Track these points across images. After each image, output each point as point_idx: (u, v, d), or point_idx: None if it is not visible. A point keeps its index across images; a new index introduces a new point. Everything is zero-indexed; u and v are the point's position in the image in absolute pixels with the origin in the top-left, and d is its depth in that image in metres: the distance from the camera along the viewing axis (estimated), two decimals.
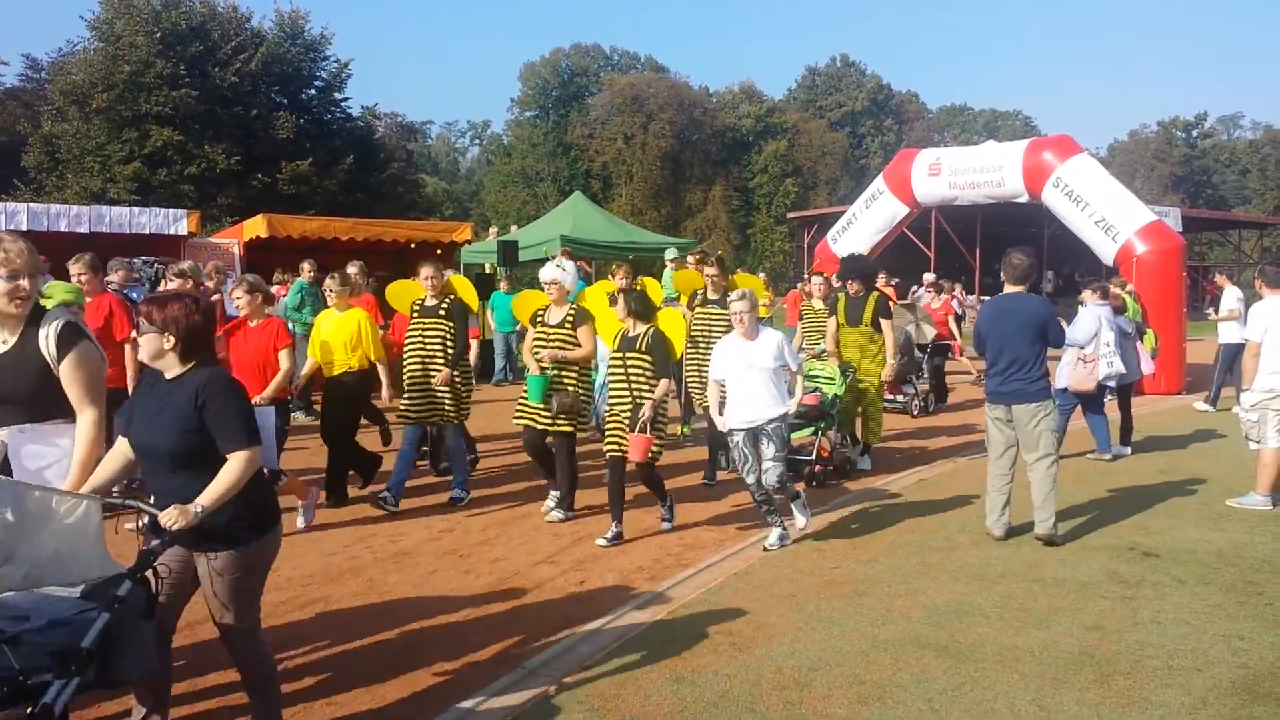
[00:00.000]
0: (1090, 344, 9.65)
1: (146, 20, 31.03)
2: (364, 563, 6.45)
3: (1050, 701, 4.25)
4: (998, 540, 6.89)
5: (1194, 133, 76.00)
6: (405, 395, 7.89)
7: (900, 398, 13.47)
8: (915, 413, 13.37)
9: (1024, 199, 17.42)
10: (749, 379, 6.60)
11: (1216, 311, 14.26)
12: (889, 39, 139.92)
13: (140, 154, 30.58)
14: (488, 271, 20.70)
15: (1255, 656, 4.77)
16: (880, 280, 16.60)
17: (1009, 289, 7.10)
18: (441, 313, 7.91)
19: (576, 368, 7.45)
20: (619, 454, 6.93)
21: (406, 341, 8.04)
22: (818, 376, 9.20)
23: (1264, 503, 7.75)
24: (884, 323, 9.36)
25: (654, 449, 6.86)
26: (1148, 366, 11.06)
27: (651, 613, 5.42)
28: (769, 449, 6.55)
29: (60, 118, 32.30)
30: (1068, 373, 9.83)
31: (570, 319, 7.46)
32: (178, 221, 14.35)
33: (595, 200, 35.72)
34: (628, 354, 6.96)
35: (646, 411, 6.74)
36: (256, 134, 32.36)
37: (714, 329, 8.74)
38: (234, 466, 3.52)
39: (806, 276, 15.46)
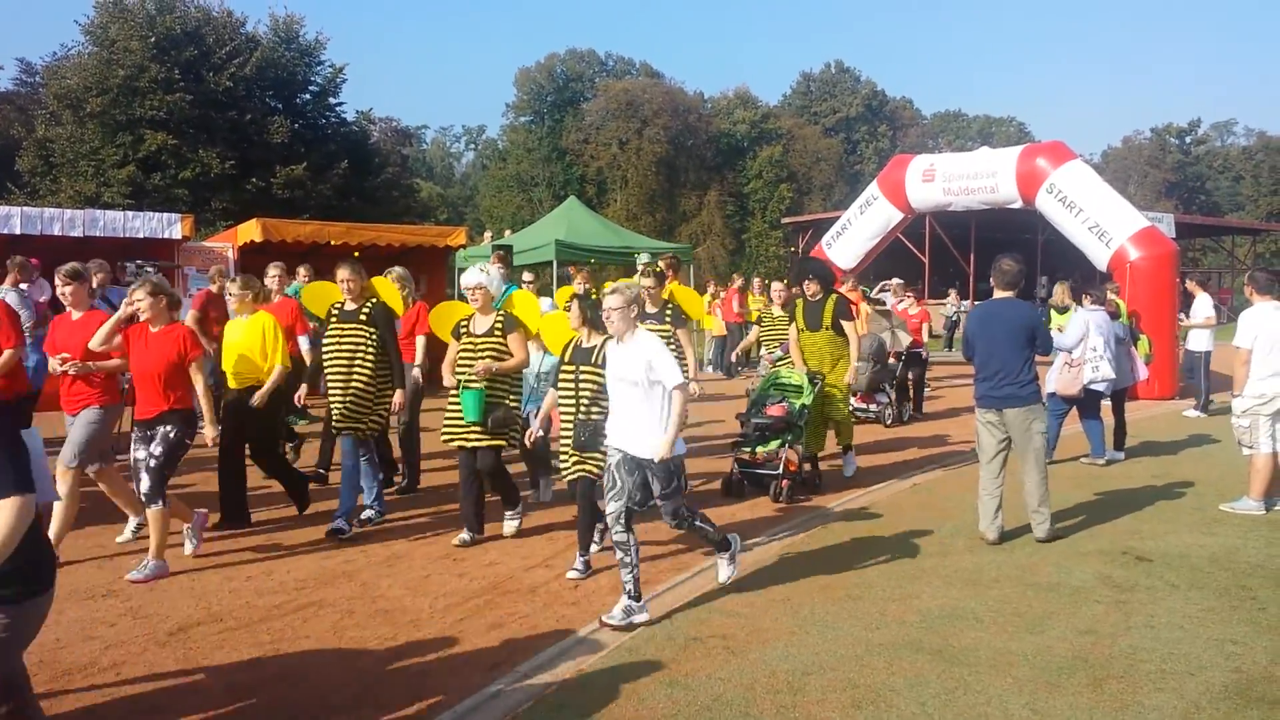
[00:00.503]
0: (1078, 349, 9.67)
1: (141, 25, 31.07)
2: (358, 566, 6.44)
3: (1043, 706, 4.26)
4: (992, 544, 6.92)
5: (1187, 139, 76.27)
6: (330, 405, 7.34)
7: (873, 407, 12.90)
8: (889, 422, 12.84)
9: (1018, 205, 17.49)
10: (622, 393, 5.55)
11: (1188, 316, 14.34)
12: (883, 46, 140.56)
13: (134, 158, 30.60)
14: None
15: (1248, 661, 4.78)
16: (848, 287, 16.37)
17: (998, 294, 7.19)
18: (362, 318, 7.26)
19: (509, 378, 6.98)
20: (584, 474, 6.19)
21: (325, 349, 7.39)
22: (786, 386, 8.83)
23: (1257, 508, 7.77)
24: (846, 325, 8.96)
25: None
26: (1142, 372, 11.09)
27: (646, 616, 5.41)
28: (655, 485, 5.50)
29: (54, 121, 32.30)
30: (1055, 377, 9.86)
31: (499, 326, 6.93)
32: (172, 225, 14.34)
33: (590, 205, 35.72)
34: (581, 367, 6.14)
35: None
36: (251, 138, 32.38)
37: None
38: (2, 518, 2.88)
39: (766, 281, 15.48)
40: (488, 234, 28.55)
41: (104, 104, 30.53)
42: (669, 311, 8.24)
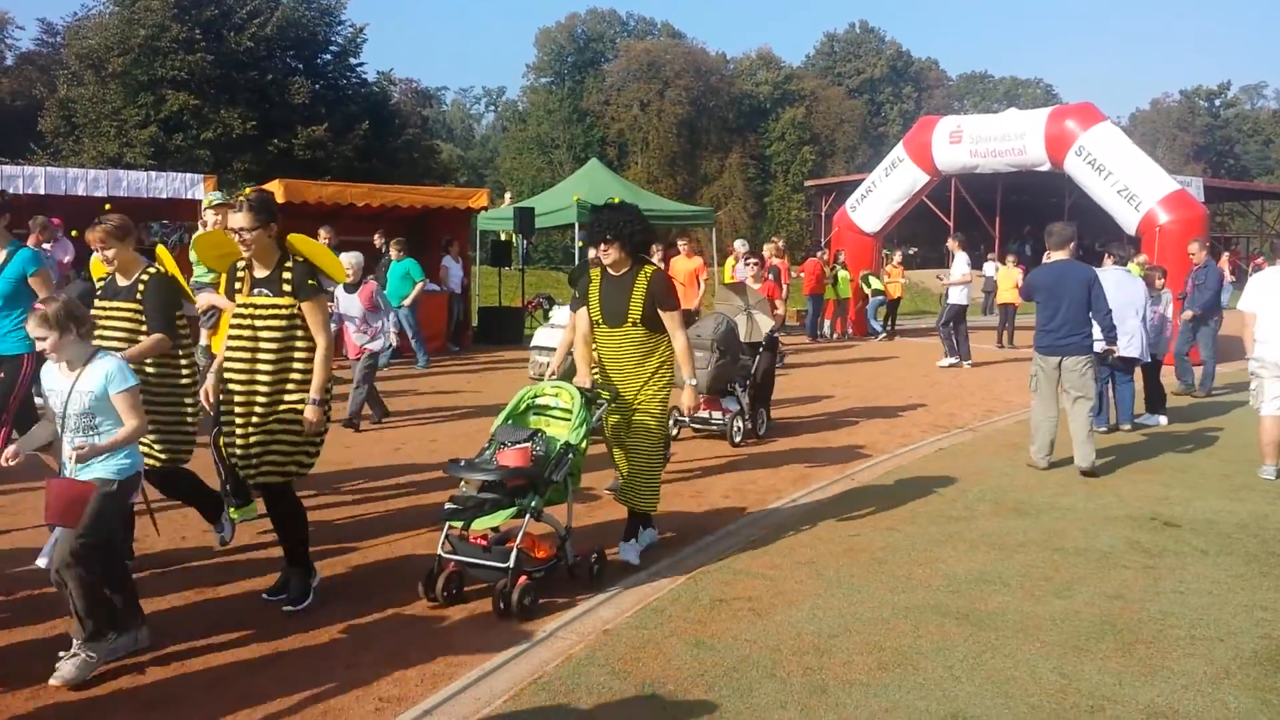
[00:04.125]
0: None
1: None
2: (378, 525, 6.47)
3: (1072, 670, 4.24)
4: (1042, 471, 7.95)
5: (1217, 102, 75.11)
6: None
7: (716, 417, 9.21)
8: (738, 440, 9.14)
9: (1045, 167, 17.29)
10: None
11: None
12: (908, 5, 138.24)
13: (156, 118, 30.60)
14: (503, 239, 20.67)
15: (1278, 627, 4.74)
16: (684, 249, 14.14)
17: (1054, 254, 8.16)
18: None
19: None
20: None
21: None
22: (550, 409, 5.49)
23: (1267, 472, 7.79)
24: (666, 318, 5.66)
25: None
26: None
27: (670, 578, 5.42)
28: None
29: (76, 82, 32.32)
30: None
31: None
32: (195, 186, 14.37)
33: (611, 168, 35.52)
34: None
35: None
36: (272, 99, 32.32)
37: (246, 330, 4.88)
38: None
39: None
40: (508, 195, 28.50)
41: (125, 64, 30.51)
42: (288, 275, 4.85)
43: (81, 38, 32.56)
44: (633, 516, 5.88)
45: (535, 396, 5.53)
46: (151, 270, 5.26)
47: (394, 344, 10.18)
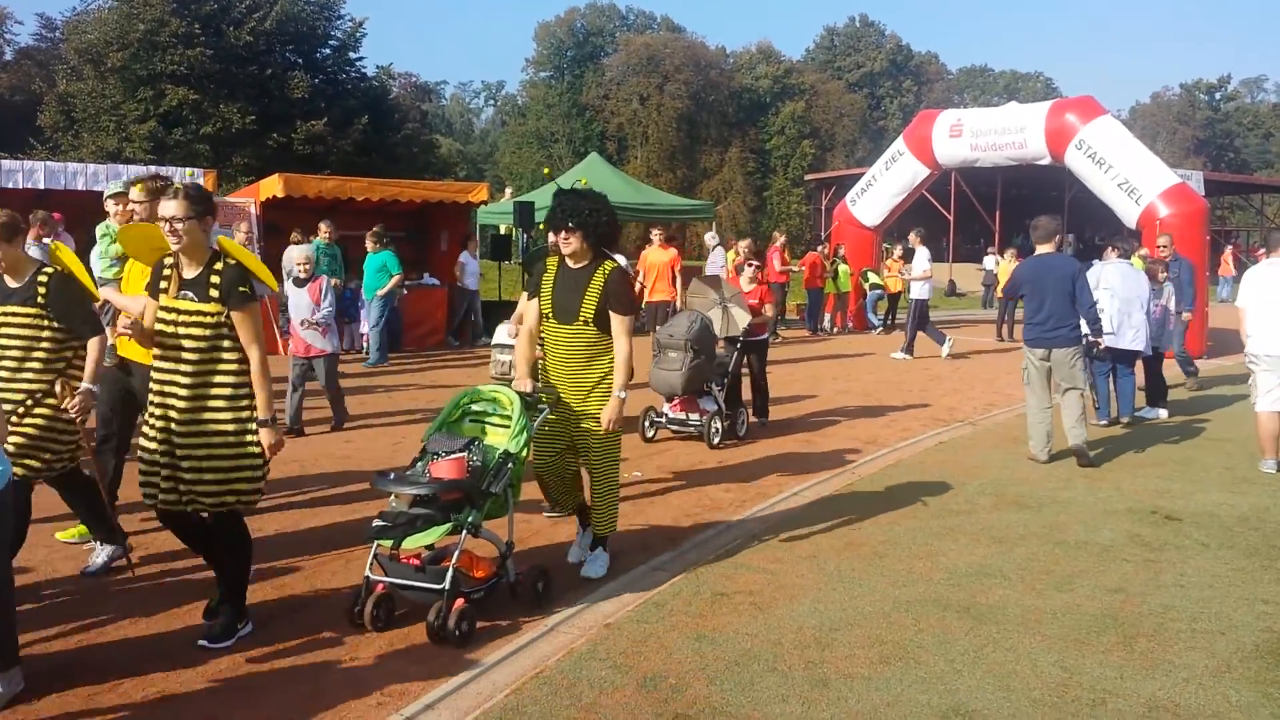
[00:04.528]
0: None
1: None
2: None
3: (1073, 663, 4.25)
4: (1043, 464, 7.96)
5: (1217, 95, 75.05)
6: None
7: (694, 418, 8.90)
8: (716, 441, 8.78)
9: (1046, 161, 17.26)
10: None
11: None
12: None
13: (155, 113, 30.61)
14: (503, 233, 20.65)
15: (1279, 620, 4.74)
16: (657, 240, 14.60)
17: (1041, 248, 8.22)
18: None
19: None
20: None
21: None
22: (487, 415, 5.03)
23: (1267, 466, 7.80)
24: (617, 322, 5.17)
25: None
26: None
27: (672, 572, 5.42)
28: None
29: (75, 77, 32.34)
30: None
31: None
32: (195, 180, 14.35)
33: (610, 162, 35.41)
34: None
35: None
36: (271, 93, 32.32)
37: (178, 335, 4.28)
38: None
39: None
40: (508, 189, 28.51)
41: (125, 59, 30.50)
42: (216, 280, 4.27)
43: (80, 32, 32.56)
44: (595, 537, 5.50)
45: (471, 402, 5.07)
46: (49, 270, 4.81)
47: (339, 340, 9.71)
